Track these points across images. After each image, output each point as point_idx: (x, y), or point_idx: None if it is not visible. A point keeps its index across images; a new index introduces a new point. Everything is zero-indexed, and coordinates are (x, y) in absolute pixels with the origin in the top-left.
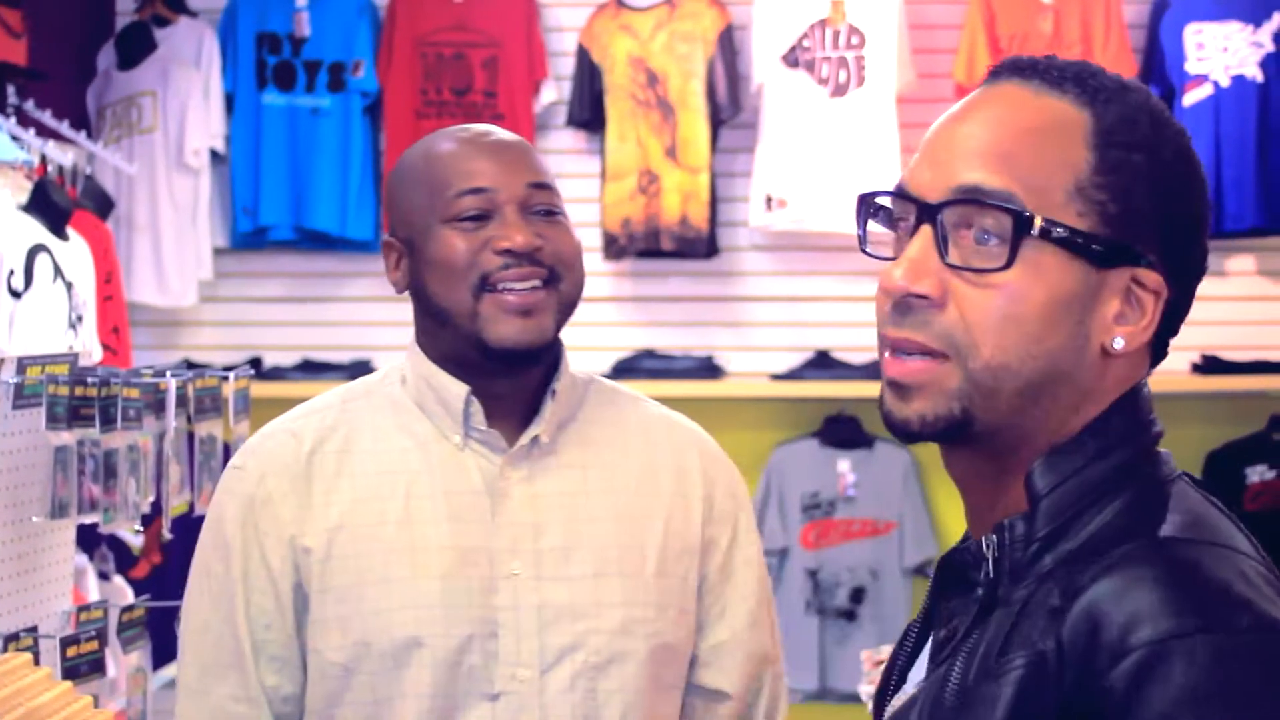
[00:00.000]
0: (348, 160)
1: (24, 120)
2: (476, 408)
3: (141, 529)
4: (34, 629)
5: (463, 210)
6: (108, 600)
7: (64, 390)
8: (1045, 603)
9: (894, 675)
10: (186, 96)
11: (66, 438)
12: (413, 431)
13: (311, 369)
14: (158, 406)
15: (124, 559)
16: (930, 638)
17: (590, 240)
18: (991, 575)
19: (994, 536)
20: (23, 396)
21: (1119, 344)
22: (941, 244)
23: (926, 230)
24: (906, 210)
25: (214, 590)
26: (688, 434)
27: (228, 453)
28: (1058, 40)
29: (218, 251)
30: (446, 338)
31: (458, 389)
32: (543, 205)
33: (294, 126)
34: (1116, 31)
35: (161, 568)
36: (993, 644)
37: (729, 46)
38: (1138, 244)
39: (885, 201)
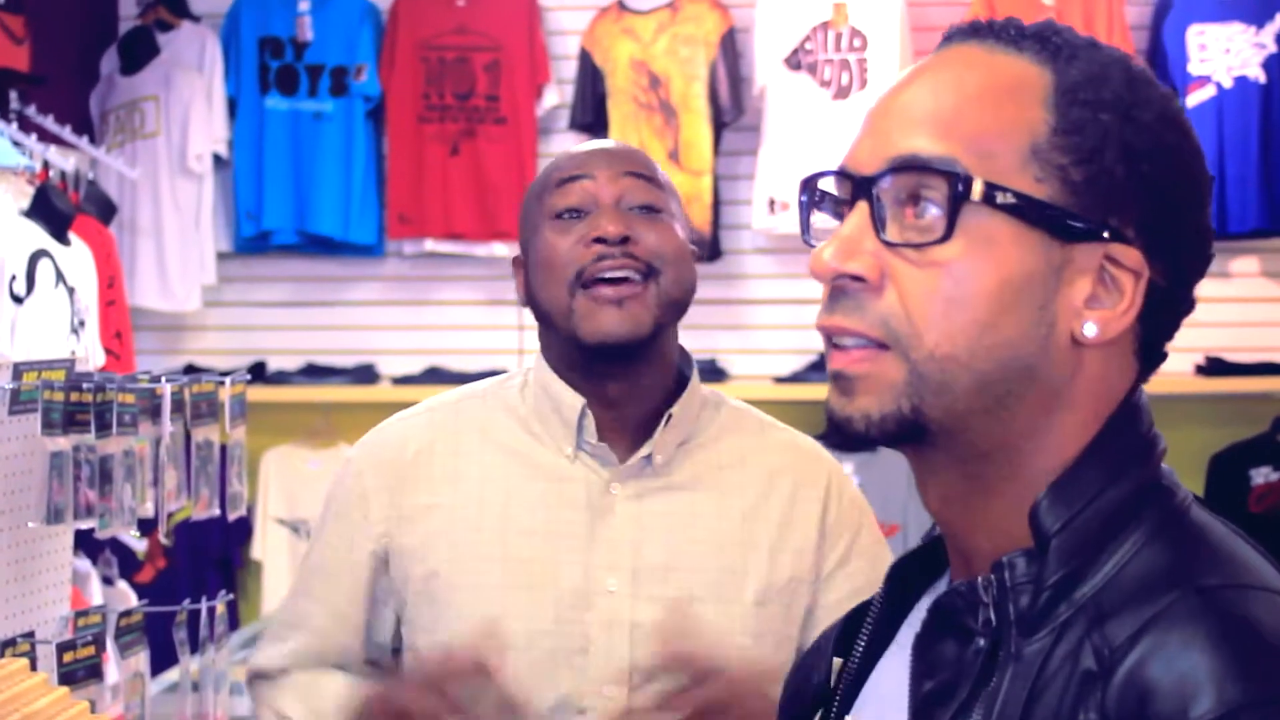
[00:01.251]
0: (350, 164)
1: (26, 125)
2: (590, 420)
3: (143, 534)
4: (31, 634)
5: (562, 203)
6: (106, 605)
7: (60, 396)
8: (1074, 665)
9: (838, 685)
10: (189, 101)
11: (62, 443)
12: (523, 439)
13: (315, 373)
14: (154, 411)
15: (129, 564)
16: (884, 656)
17: None
18: (994, 623)
19: (992, 577)
20: (19, 402)
21: (1090, 331)
22: (878, 220)
23: (862, 206)
24: (846, 190)
25: (323, 568)
26: (812, 462)
27: (224, 457)
28: None
29: (221, 256)
30: (555, 343)
31: (573, 400)
32: (644, 200)
33: (297, 131)
34: (1119, 33)
35: (166, 572)
36: (1009, 711)
37: (731, 49)
38: (1110, 216)
39: (829, 185)
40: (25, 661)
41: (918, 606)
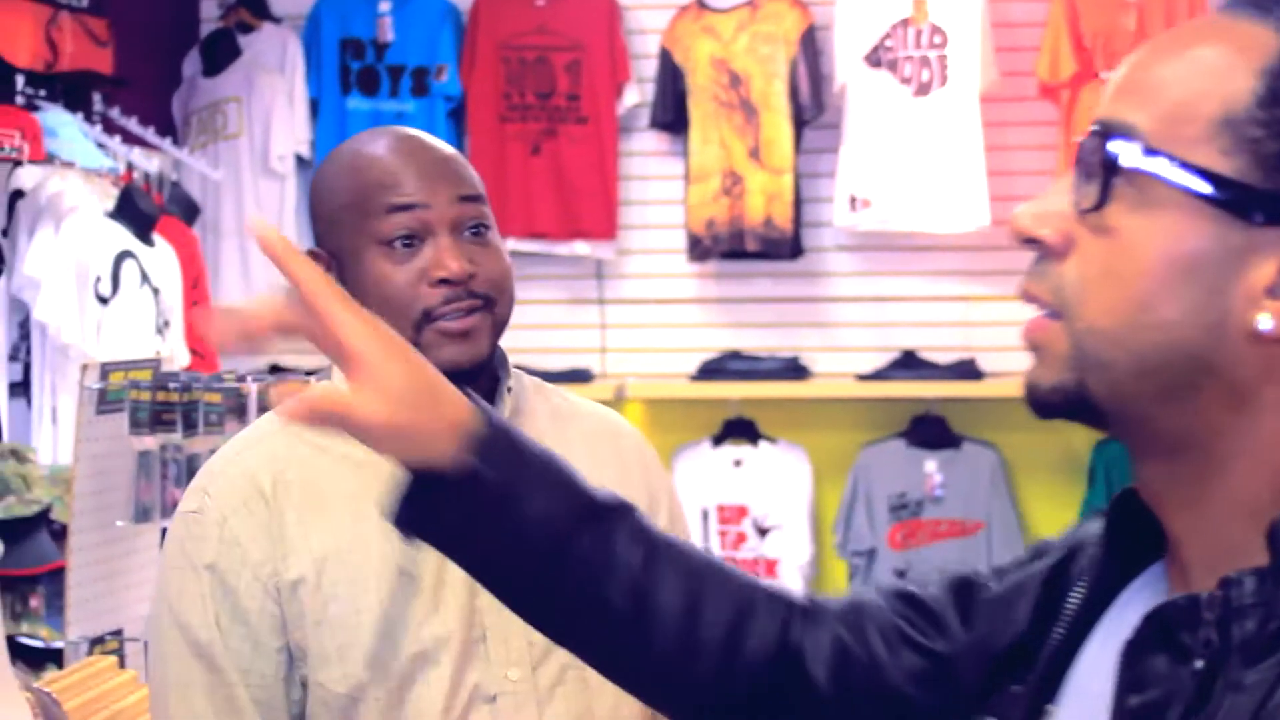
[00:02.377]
0: None
1: (110, 128)
2: None
3: None
4: (119, 632)
5: (391, 231)
6: None
7: (146, 395)
8: None
9: (1038, 678)
10: (271, 102)
11: (149, 442)
12: (363, 450)
13: None
14: (240, 410)
15: None
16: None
17: (675, 242)
18: (1215, 646)
19: (1217, 594)
20: (106, 402)
21: (1266, 324)
22: (1075, 185)
23: (1071, 170)
24: None
25: (181, 645)
26: (628, 431)
27: None
28: (1141, 37)
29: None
30: None
31: None
32: (474, 220)
33: None
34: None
35: None
36: None
37: (811, 47)
38: None
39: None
40: (114, 659)
41: (1122, 600)
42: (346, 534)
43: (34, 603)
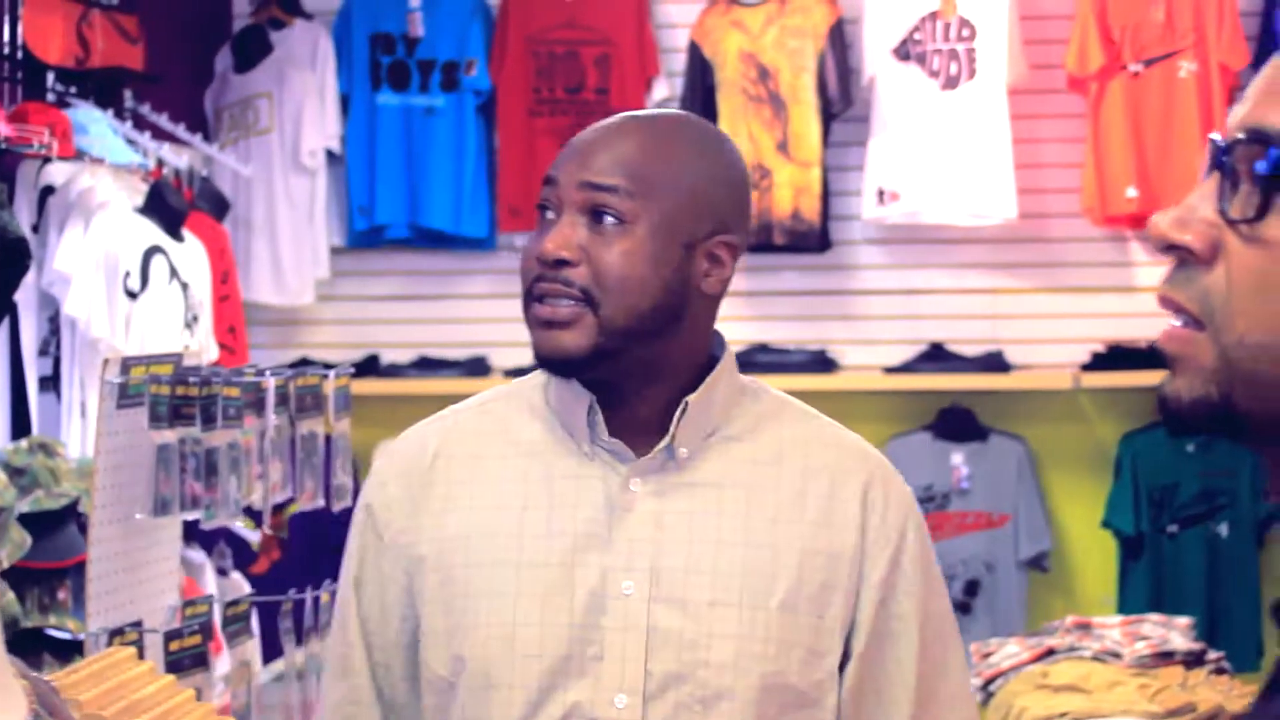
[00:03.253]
0: (462, 158)
1: (140, 123)
2: (599, 416)
3: (257, 526)
4: (139, 624)
5: (541, 200)
6: (212, 595)
7: (166, 390)
8: None
9: None
10: (302, 98)
11: (169, 436)
12: (544, 439)
13: (428, 366)
14: (258, 404)
15: (245, 556)
16: None
17: None
18: None
19: None
20: (127, 396)
21: None
22: (1223, 191)
23: (1215, 175)
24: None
25: (341, 594)
26: (856, 459)
27: (329, 449)
28: (1170, 29)
29: (334, 250)
30: None
31: (582, 396)
32: (596, 207)
33: (408, 126)
34: (1230, 20)
35: (280, 564)
36: None
37: (840, 40)
38: None
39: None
40: (133, 650)
41: None
42: (482, 520)
43: (62, 595)
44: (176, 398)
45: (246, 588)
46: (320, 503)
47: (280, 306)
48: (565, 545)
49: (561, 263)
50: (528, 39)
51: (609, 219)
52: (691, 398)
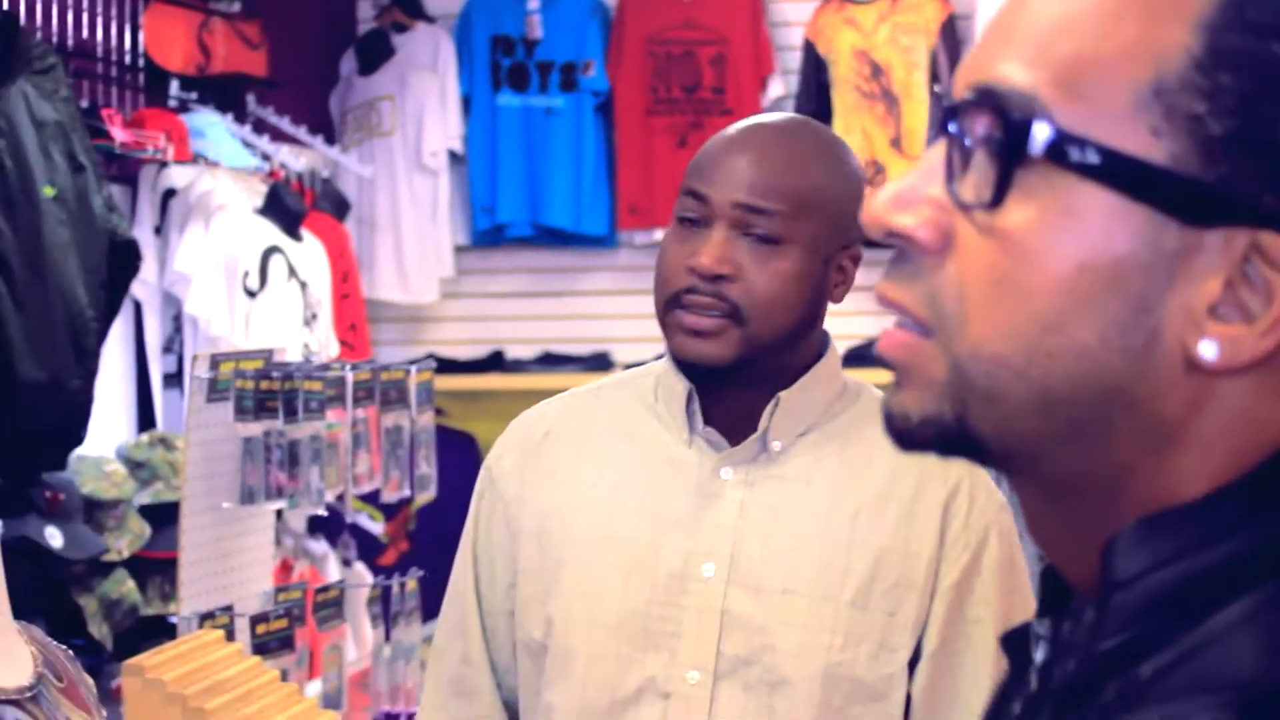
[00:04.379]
0: (581, 158)
1: (261, 127)
2: (697, 406)
3: (388, 519)
4: (229, 608)
5: (682, 210)
6: (304, 582)
7: (250, 384)
8: None
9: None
10: (424, 100)
11: (254, 428)
12: (649, 425)
13: (551, 361)
14: (339, 398)
15: (374, 548)
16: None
17: None
18: (1034, 690)
19: (1038, 630)
20: (216, 390)
21: (1209, 351)
22: (950, 165)
23: (940, 145)
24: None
25: (459, 557)
26: (944, 463)
27: (413, 441)
28: None
29: (458, 249)
30: None
31: (681, 386)
32: (760, 230)
33: (528, 126)
34: None
35: (409, 555)
36: None
37: (952, 36)
38: (1267, 190)
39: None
40: (220, 632)
41: None
42: (580, 495)
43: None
44: (261, 392)
45: (369, 578)
46: (406, 492)
47: (406, 304)
48: (653, 525)
49: (719, 278)
50: (645, 39)
51: (762, 237)
52: (784, 393)
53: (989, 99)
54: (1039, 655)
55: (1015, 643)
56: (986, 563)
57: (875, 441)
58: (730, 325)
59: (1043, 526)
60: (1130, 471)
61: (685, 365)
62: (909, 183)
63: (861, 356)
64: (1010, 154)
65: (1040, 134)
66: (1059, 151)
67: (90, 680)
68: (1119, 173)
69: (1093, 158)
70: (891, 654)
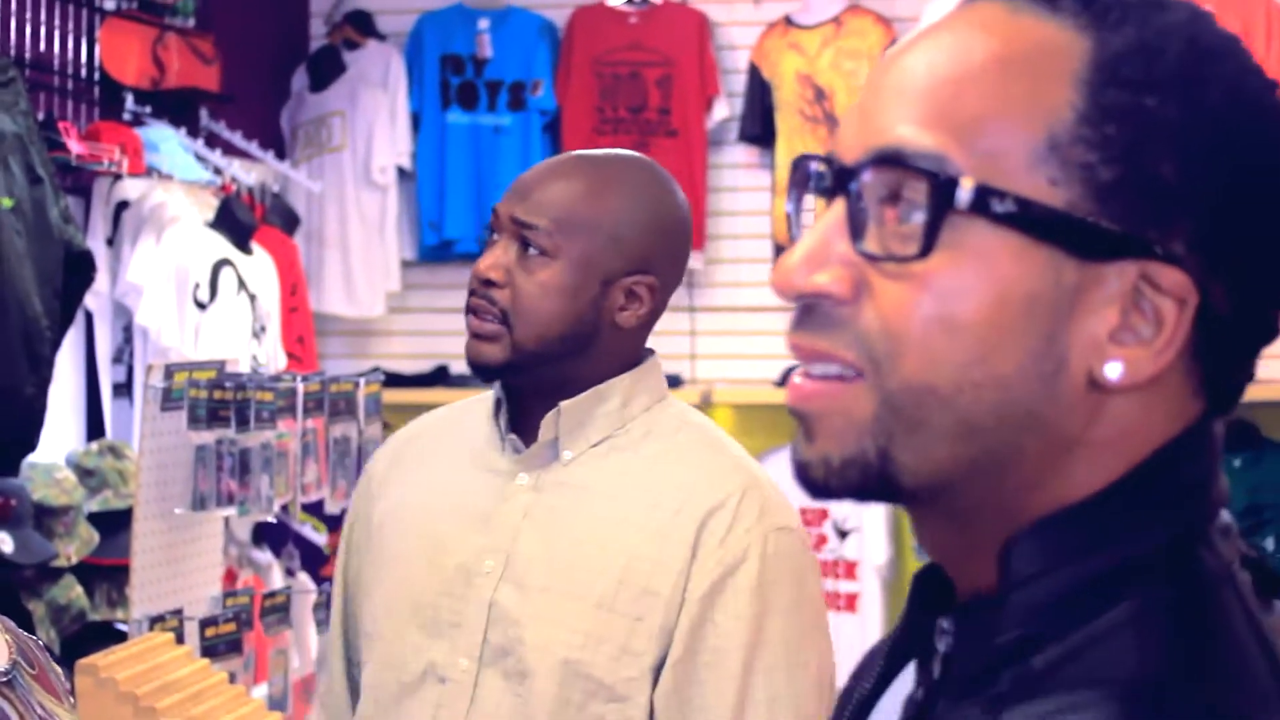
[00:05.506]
0: None
1: (214, 141)
2: (504, 413)
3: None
4: (179, 611)
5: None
6: (250, 588)
7: (204, 394)
8: None
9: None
10: (373, 116)
11: (206, 437)
12: (484, 432)
13: None
14: (290, 408)
15: (317, 559)
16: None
17: (763, 251)
18: (936, 678)
19: (943, 624)
20: (170, 400)
21: (1114, 372)
22: (854, 224)
23: (839, 205)
24: (830, 180)
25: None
26: (718, 480)
27: (360, 452)
28: None
29: (405, 264)
30: None
31: (498, 392)
32: (530, 242)
33: (477, 144)
34: (1278, 38)
35: None
36: None
37: None
38: (1151, 227)
39: (822, 167)
40: (170, 635)
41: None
42: (410, 494)
43: (129, 591)
44: (214, 401)
45: (313, 588)
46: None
47: (352, 318)
48: (457, 523)
49: (489, 283)
50: (593, 60)
51: (533, 250)
52: (565, 403)
53: (897, 160)
54: (942, 647)
55: (913, 630)
56: (743, 581)
57: (660, 454)
58: (504, 331)
59: (939, 545)
60: (1031, 487)
61: (470, 367)
62: (813, 244)
63: None
64: (938, 209)
65: (965, 189)
66: (982, 204)
67: (59, 669)
68: (1026, 219)
69: (1009, 207)
70: (635, 658)
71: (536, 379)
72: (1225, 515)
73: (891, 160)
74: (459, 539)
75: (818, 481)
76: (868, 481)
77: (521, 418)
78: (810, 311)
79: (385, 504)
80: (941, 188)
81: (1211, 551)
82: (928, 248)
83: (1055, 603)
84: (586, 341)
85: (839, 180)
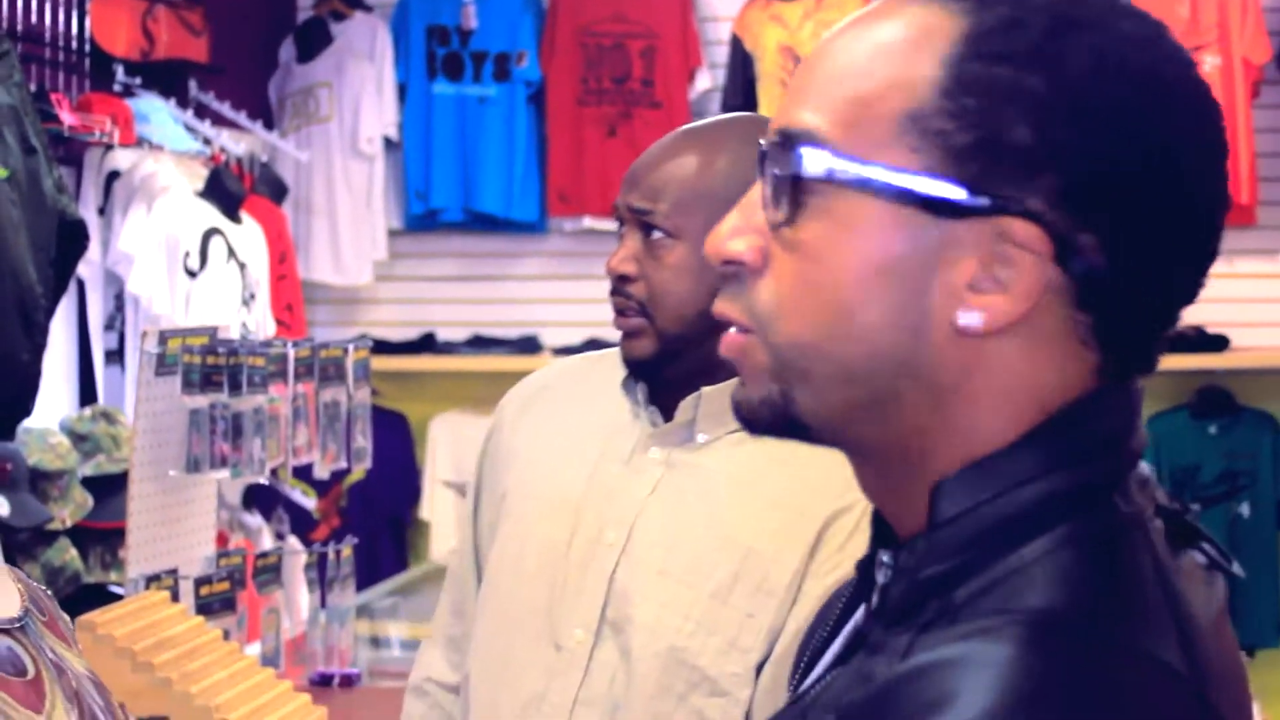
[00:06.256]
0: (513, 146)
1: (203, 112)
2: (642, 386)
3: (321, 496)
4: (174, 571)
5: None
6: (242, 548)
7: (197, 359)
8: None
9: (819, 642)
10: (360, 87)
11: (200, 401)
12: (616, 394)
13: (481, 344)
14: (281, 373)
15: (306, 523)
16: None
17: None
18: (874, 607)
19: (883, 557)
20: (164, 365)
21: (971, 319)
22: (765, 198)
23: (759, 183)
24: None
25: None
26: (844, 487)
27: (350, 416)
28: (1194, 24)
29: (392, 233)
30: None
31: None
32: (652, 227)
33: (462, 114)
34: (1253, 15)
35: (340, 530)
36: (827, 699)
37: None
38: (1008, 186)
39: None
40: (166, 594)
41: None
42: (539, 448)
43: (122, 553)
44: (208, 366)
45: (302, 549)
46: (343, 464)
47: (340, 286)
48: (585, 487)
49: (624, 278)
50: (577, 31)
51: (657, 234)
52: (708, 389)
53: (786, 140)
54: (881, 578)
55: (863, 567)
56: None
57: (791, 453)
58: (647, 323)
59: (867, 484)
60: (922, 431)
61: (627, 366)
62: (741, 216)
63: None
64: (795, 178)
65: (815, 160)
66: (831, 174)
67: (67, 617)
68: (885, 185)
69: (861, 173)
70: (742, 654)
71: (691, 362)
72: (1144, 467)
73: (784, 140)
74: (585, 504)
75: (746, 418)
76: (777, 419)
77: (658, 393)
78: (731, 279)
79: (515, 452)
80: (798, 160)
81: (1125, 499)
82: (791, 215)
83: (977, 539)
84: None
85: (758, 159)
